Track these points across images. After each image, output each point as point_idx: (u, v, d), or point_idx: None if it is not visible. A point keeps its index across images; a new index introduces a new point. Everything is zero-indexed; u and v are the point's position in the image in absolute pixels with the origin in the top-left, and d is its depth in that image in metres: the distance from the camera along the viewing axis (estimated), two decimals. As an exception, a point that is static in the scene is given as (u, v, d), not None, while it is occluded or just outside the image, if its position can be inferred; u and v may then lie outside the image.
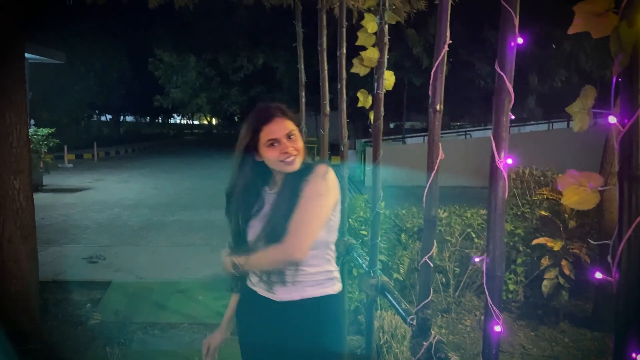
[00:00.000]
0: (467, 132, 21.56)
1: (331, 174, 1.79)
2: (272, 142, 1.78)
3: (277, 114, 1.80)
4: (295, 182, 1.79)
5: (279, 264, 1.77)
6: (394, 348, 3.30)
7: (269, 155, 1.79)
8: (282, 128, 1.79)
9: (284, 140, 1.78)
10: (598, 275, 0.95)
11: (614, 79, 0.89)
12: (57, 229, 8.22)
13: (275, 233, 1.74)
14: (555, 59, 18.32)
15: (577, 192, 0.95)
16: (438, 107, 1.79)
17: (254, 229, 1.83)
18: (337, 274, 1.90)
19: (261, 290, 1.84)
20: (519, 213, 5.10)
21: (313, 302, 1.80)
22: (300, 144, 1.82)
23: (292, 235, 1.70)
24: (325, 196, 1.77)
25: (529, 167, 6.39)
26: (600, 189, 0.95)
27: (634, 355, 0.85)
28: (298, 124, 1.86)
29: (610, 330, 4.25)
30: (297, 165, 1.80)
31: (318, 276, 1.82)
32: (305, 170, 1.80)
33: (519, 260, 4.60)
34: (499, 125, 1.32)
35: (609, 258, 0.90)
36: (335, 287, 1.88)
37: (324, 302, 1.83)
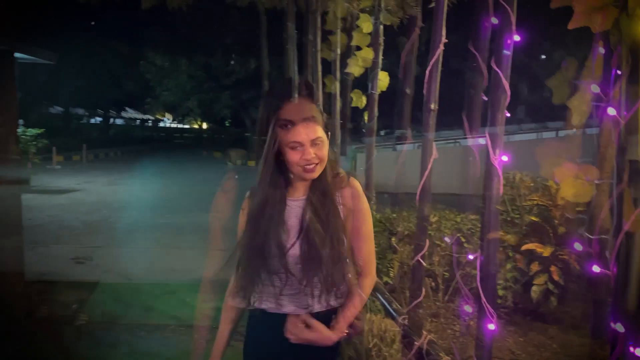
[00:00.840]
0: (456, 140, 21.61)
1: None
2: (295, 145, 1.66)
3: (309, 117, 1.68)
4: (328, 192, 1.73)
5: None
6: (383, 351, 3.28)
7: (289, 157, 1.67)
8: (310, 132, 1.66)
9: (307, 146, 1.66)
10: (596, 268, 0.95)
11: (613, 71, 0.89)
12: (44, 229, 8.12)
13: (312, 249, 1.68)
14: (545, 69, 18.48)
15: (574, 184, 0.95)
16: (432, 106, 1.78)
17: (287, 239, 1.72)
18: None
19: (288, 308, 1.75)
20: (508, 219, 5.10)
21: (336, 312, 1.77)
22: (324, 152, 1.70)
23: (371, 263, 1.81)
24: (370, 211, 1.81)
25: (519, 172, 6.38)
26: (596, 182, 0.95)
27: (631, 348, 0.84)
28: (328, 129, 1.75)
29: (599, 336, 4.26)
30: (317, 173, 1.70)
31: (341, 287, 1.79)
32: (338, 182, 1.77)
33: (508, 266, 4.60)
34: (494, 122, 1.31)
35: (607, 253, 0.90)
36: None
37: None
